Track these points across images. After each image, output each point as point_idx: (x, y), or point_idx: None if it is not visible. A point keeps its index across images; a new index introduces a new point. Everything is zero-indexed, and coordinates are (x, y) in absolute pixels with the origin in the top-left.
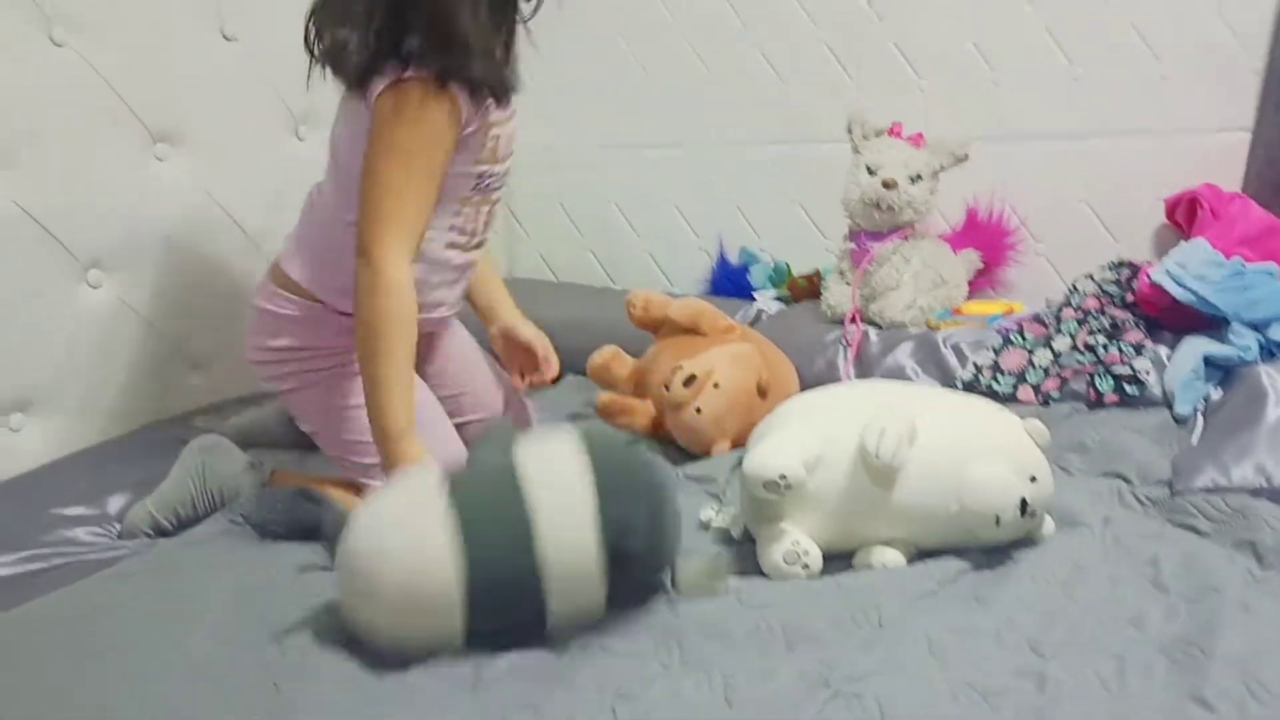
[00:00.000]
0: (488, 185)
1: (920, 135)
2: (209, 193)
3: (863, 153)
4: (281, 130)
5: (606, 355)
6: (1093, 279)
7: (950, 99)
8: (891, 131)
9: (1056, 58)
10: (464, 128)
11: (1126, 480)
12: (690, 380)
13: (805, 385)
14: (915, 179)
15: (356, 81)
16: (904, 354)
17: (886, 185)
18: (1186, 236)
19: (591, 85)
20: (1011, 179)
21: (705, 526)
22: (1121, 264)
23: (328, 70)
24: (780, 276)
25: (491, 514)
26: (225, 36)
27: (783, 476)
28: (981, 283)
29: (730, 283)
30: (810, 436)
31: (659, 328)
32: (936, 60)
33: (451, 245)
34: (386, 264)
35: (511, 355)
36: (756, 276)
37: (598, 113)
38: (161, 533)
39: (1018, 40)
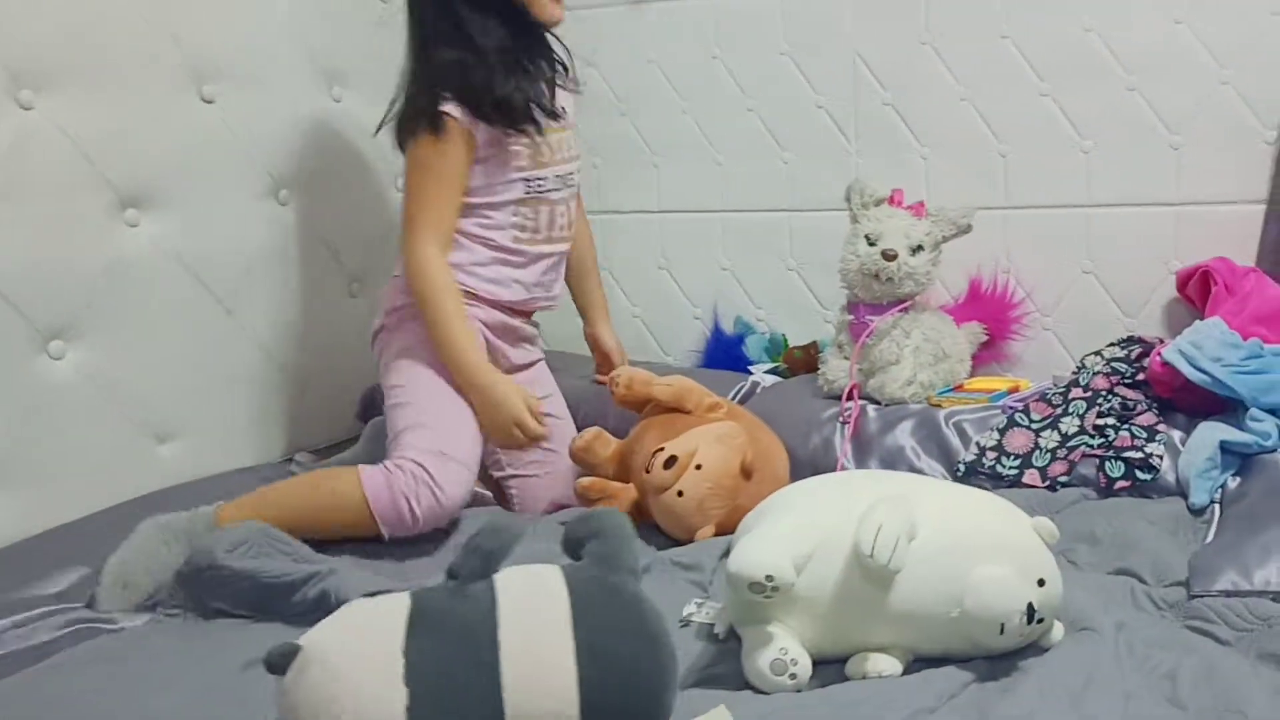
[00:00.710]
0: (539, 188)
1: (922, 204)
2: (181, 258)
3: (861, 222)
4: (261, 194)
5: (588, 437)
6: (1101, 356)
7: (954, 168)
8: (892, 200)
9: (1064, 128)
10: (481, 146)
11: (1140, 579)
12: (671, 462)
13: (800, 464)
14: (916, 250)
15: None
16: (904, 433)
17: (886, 256)
18: (1199, 311)
19: (587, 151)
20: (1016, 249)
21: (686, 623)
22: (1132, 340)
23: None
24: (776, 348)
25: (454, 670)
26: (204, 99)
27: (769, 577)
28: (985, 357)
29: (725, 354)
30: (800, 531)
31: (643, 406)
32: (940, 128)
33: (518, 239)
34: (413, 253)
35: (595, 357)
36: (752, 348)
37: (588, 176)
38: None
39: (1024, 110)
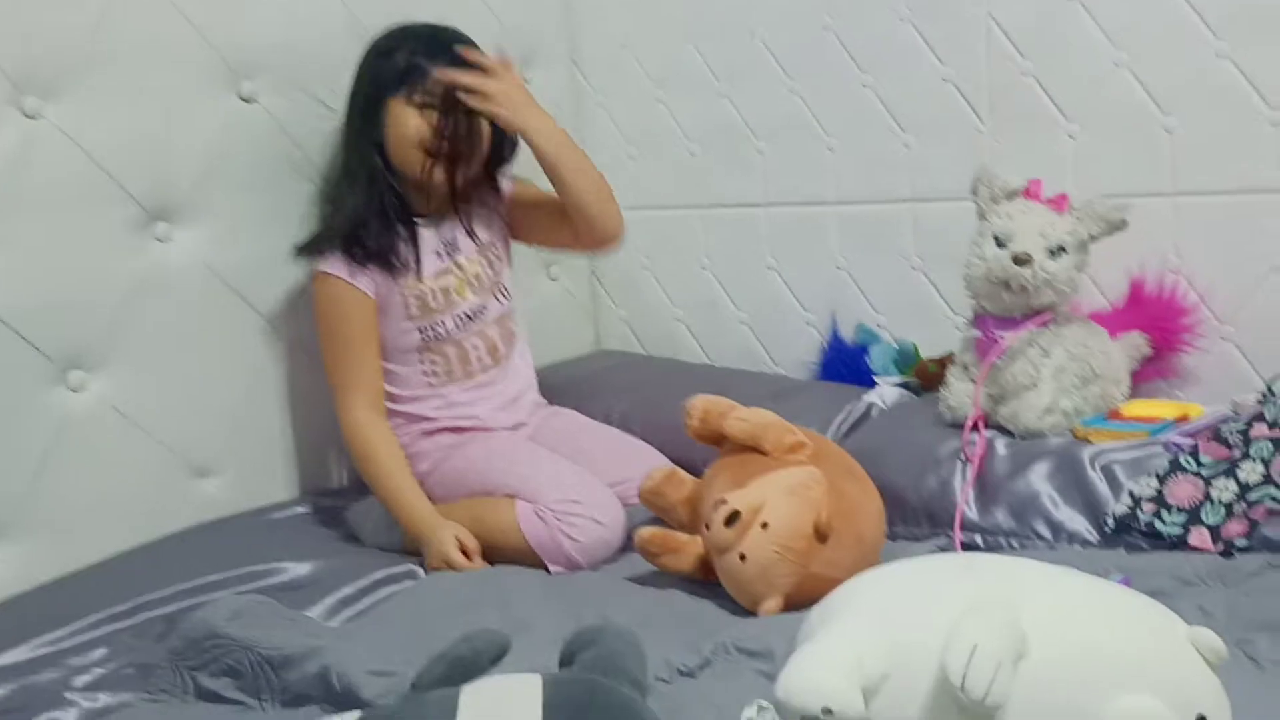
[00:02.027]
0: (438, 336)
1: (1064, 197)
2: (217, 273)
3: (990, 219)
4: (307, 199)
5: (659, 478)
6: None
7: (1109, 147)
8: (1028, 193)
9: (1247, 96)
10: (377, 298)
11: None
12: (734, 518)
13: (912, 510)
14: (1056, 252)
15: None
16: (1039, 476)
17: (1019, 261)
18: None
19: (682, 138)
20: (1188, 243)
21: None
22: None
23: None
24: (907, 359)
25: None
26: (242, 98)
27: (827, 710)
28: (1149, 373)
29: (845, 365)
30: (873, 642)
31: (723, 441)
32: (1092, 102)
33: (434, 385)
34: (342, 418)
35: None
36: (877, 359)
37: (689, 168)
38: None
39: (1197, 75)
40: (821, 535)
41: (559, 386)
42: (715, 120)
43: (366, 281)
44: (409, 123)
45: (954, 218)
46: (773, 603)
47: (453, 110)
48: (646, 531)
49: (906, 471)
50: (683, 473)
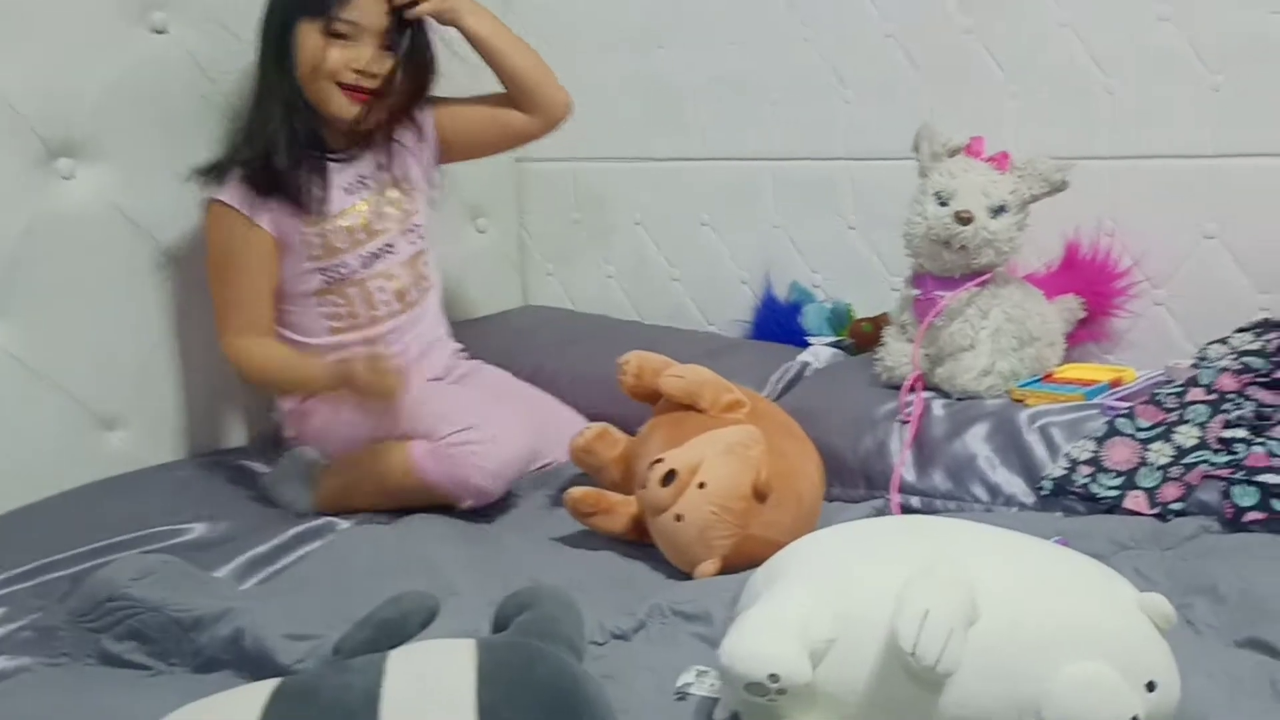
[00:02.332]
0: (340, 275)
1: (1005, 155)
2: (125, 213)
3: (931, 176)
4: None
5: (590, 435)
6: (1228, 345)
7: (1049, 109)
8: (969, 150)
9: (1188, 60)
10: (279, 237)
11: None
12: (670, 477)
13: (849, 472)
14: (997, 211)
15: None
16: (976, 438)
17: (960, 219)
18: None
19: (614, 90)
20: (1124, 207)
21: (681, 695)
22: (1269, 325)
23: None
24: (840, 319)
25: None
26: (154, 29)
27: (773, 677)
28: (1082, 336)
29: (778, 325)
30: (819, 608)
31: (658, 398)
32: (1034, 63)
33: (337, 330)
34: (227, 350)
35: None
36: (811, 319)
37: (621, 121)
38: None
39: (1139, 38)
40: (760, 495)
41: (484, 341)
42: (649, 73)
43: (267, 219)
44: (320, 52)
45: (892, 178)
46: (710, 565)
47: (368, 40)
48: (578, 491)
49: (843, 432)
50: (615, 430)
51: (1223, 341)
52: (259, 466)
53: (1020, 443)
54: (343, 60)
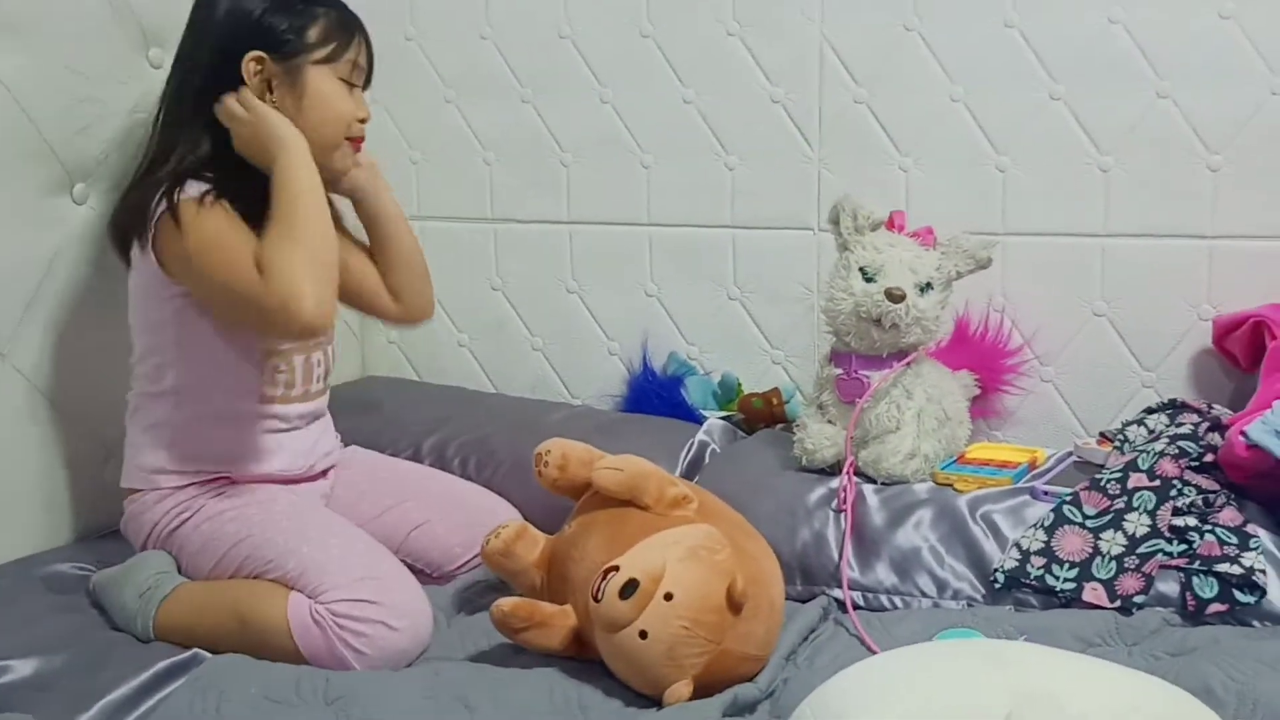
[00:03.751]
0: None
1: (930, 230)
2: None
3: (855, 250)
4: (51, 186)
5: (508, 536)
6: (1145, 425)
7: (939, 183)
8: (891, 224)
9: (1078, 139)
10: None
11: None
12: (631, 587)
13: (783, 565)
14: (924, 288)
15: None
16: (919, 528)
17: (892, 297)
18: (1239, 368)
19: (476, 145)
20: (1014, 284)
21: None
22: (1177, 407)
23: None
24: (728, 393)
25: None
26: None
27: None
28: (974, 412)
29: (657, 397)
30: None
31: (581, 492)
32: (924, 134)
33: (269, 399)
34: (286, 293)
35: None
36: (695, 392)
37: (482, 179)
38: None
39: (1030, 115)
40: (735, 606)
41: (336, 419)
42: (516, 128)
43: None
44: (342, 99)
45: (777, 247)
46: (683, 687)
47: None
48: (508, 603)
49: (775, 522)
50: (534, 530)
51: (1139, 423)
52: (79, 568)
53: (965, 532)
54: (356, 110)
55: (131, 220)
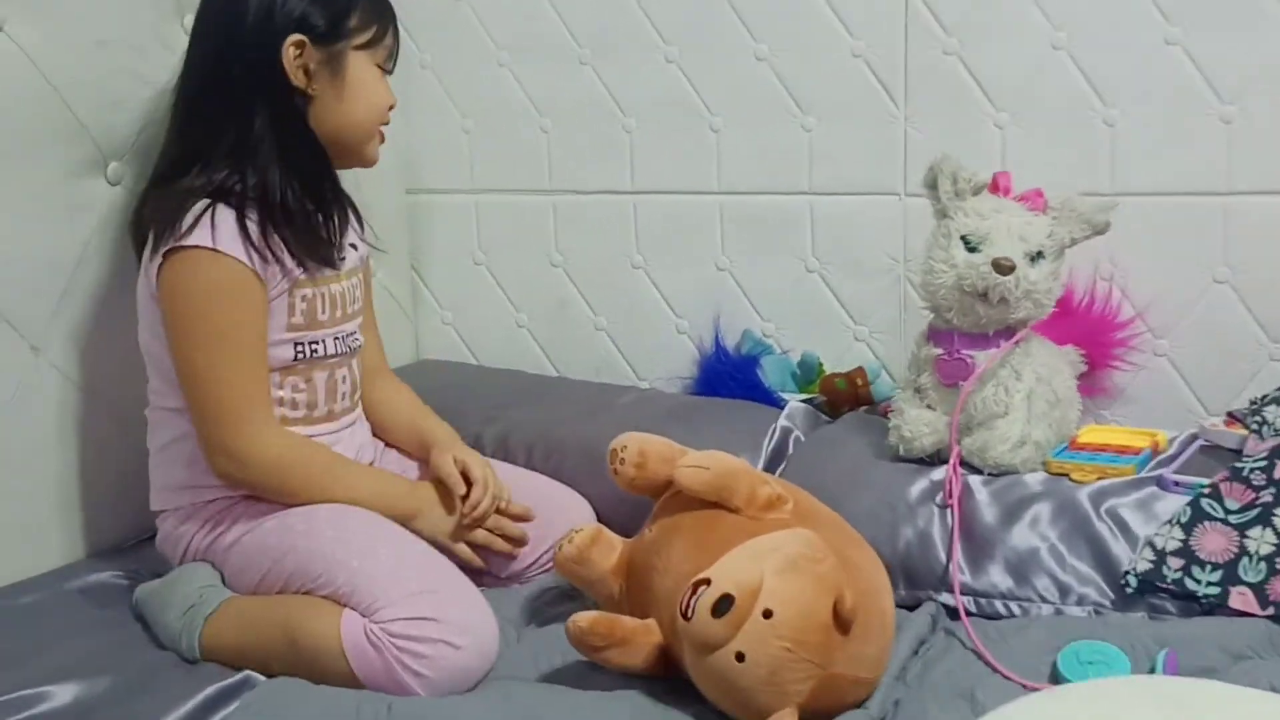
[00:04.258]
0: (315, 354)
1: (1039, 193)
2: None
3: (955, 217)
4: (86, 166)
5: (582, 541)
6: None
7: (1040, 140)
8: (995, 187)
9: (1198, 88)
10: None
11: None
12: (724, 604)
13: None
14: (1035, 258)
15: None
16: (1037, 525)
17: (1000, 268)
18: None
19: (532, 112)
20: (1124, 249)
21: None
22: None
23: None
24: (808, 374)
25: None
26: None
27: None
28: (1081, 390)
29: (732, 379)
30: None
31: (661, 491)
32: (1024, 88)
33: (290, 422)
34: (249, 450)
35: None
36: (772, 373)
37: (539, 148)
38: None
39: (1145, 66)
40: (844, 624)
41: None
42: (574, 93)
43: (259, 263)
44: (381, 89)
45: (860, 214)
46: (787, 716)
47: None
48: (585, 619)
49: (875, 521)
50: (610, 533)
51: (1278, 402)
52: (123, 576)
53: (1089, 529)
54: (389, 98)
55: (147, 228)
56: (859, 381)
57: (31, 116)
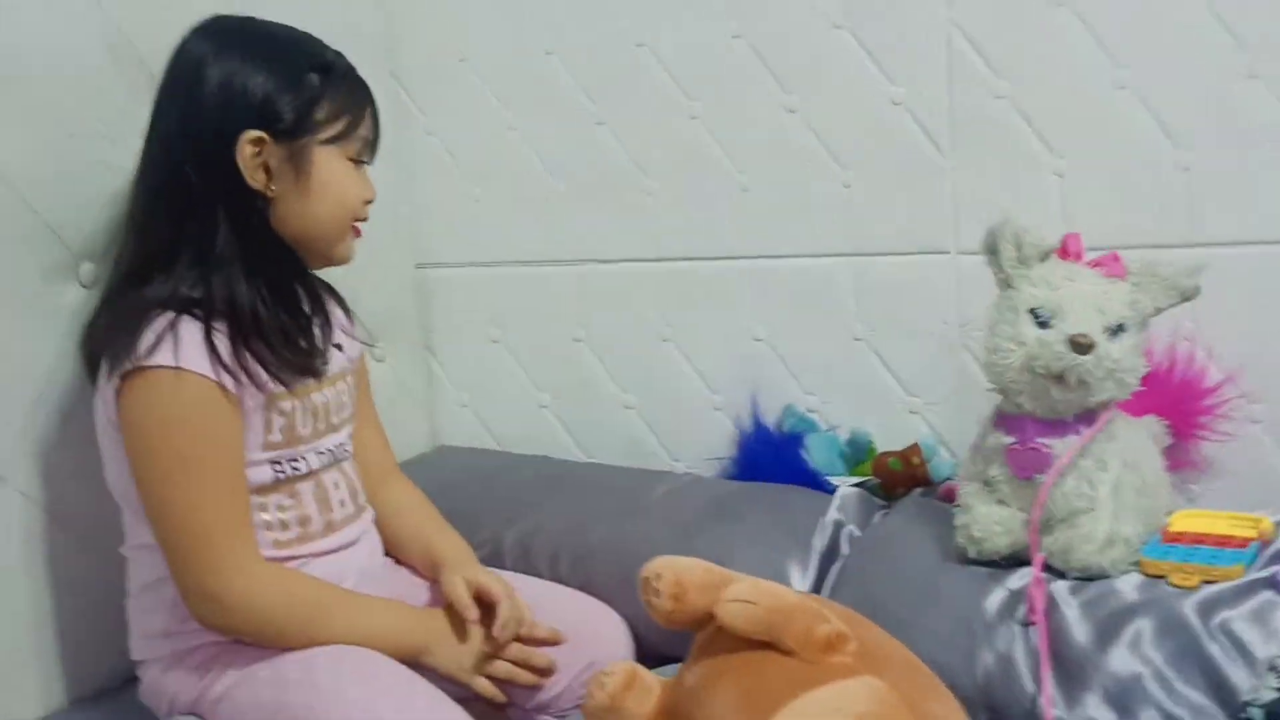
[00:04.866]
0: (295, 471)
1: (1116, 257)
2: None
3: (1021, 288)
4: (57, 270)
5: (615, 687)
6: None
7: (1105, 189)
8: (1065, 251)
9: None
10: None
11: None
12: None
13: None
14: (1116, 331)
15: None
16: (1140, 647)
17: (1078, 346)
18: None
19: (544, 175)
20: (1209, 306)
21: None
22: None
23: None
24: (859, 452)
25: None
26: None
27: None
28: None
29: (775, 461)
30: None
31: (701, 624)
32: (1084, 132)
33: (282, 544)
34: (228, 585)
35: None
36: (818, 453)
37: (555, 213)
38: None
39: (1222, 104)
40: None
41: None
42: (590, 155)
43: (230, 381)
44: (353, 184)
45: (907, 275)
46: None
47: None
48: None
49: (948, 644)
50: (647, 674)
51: None
52: None
53: (1200, 651)
54: (363, 192)
55: (102, 347)
56: (914, 460)
57: None
